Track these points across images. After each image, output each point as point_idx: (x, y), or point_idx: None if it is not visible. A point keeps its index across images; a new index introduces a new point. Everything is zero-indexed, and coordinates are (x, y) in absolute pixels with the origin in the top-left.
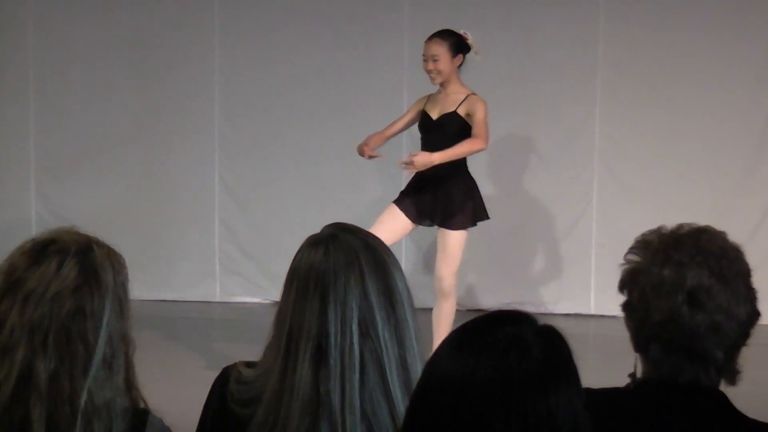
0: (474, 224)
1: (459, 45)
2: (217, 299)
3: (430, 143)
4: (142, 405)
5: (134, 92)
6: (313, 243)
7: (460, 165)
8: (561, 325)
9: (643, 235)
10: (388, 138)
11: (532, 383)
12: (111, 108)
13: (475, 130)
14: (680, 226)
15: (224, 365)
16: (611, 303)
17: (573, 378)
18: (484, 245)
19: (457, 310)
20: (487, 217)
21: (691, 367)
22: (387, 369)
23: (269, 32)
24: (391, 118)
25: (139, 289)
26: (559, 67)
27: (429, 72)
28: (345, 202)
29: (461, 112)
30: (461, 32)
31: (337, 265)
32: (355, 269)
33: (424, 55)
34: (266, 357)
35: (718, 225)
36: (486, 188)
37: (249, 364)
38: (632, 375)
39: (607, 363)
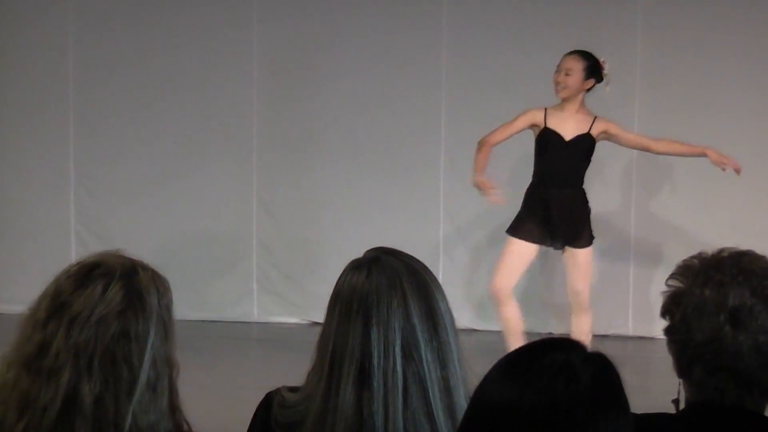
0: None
1: (594, 70)
2: (255, 319)
3: (558, 162)
4: (185, 428)
5: (172, 110)
6: (355, 266)
7: (582, 184)
8: (598, 347)
9: (684, 260)
10: (495, 143)
11: (580, 410)
12: (149, 126)
13: (638, 138)
14: (721, 250)
15: (263, 386)
16: (650, 324)
17: (622, 406)
18: None
19: (494, 331)
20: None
21: (735, 389)
22: (430, 391)
23: (308, 51)
24: (427, 140)
25: (176, 309)
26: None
27: (557, 84)
28: (383, 222)
29: (594, 133)
30: (601, 59)
31: (380, 288)
32: (398, 291)
33: (558, 66)
34: (309, 380)
35: (758, 248)
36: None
37: (292, 389)
38: (676, 401)
39: (647, 385)
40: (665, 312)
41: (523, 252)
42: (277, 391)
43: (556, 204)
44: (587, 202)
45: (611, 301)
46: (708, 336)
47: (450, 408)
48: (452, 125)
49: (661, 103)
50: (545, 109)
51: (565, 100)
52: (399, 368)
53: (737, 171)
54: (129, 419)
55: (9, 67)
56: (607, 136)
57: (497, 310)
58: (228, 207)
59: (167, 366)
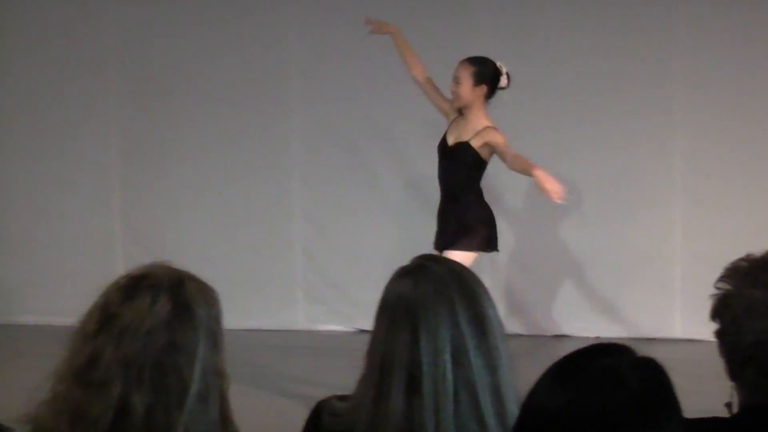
0: (481, 250)
1: (486, 75)
2: (300, 327)
3: (442, 169)
4: None
5: (214, 120)
6: (401, 274)
7: (467, 192)
8: (645, 350)
9: (732, 262)
10: (416, 72)
11: (630, 415)
12: (191, 137)
13: (502, 152)
14: None
15: (312, 394)
16: (699, 326)
17: (673, 410)
18: (567, 270)
19: (541, 336)
20: (495, 249)
21: None
22: (480, 398)
23: (348, 58)
24: None
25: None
26: (637, 80)
27: (451, 93)
28: (428, 228)
29: (474, 143)
30: (497, 64)
31: (427, 295)
32: (445, 298)
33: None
34: (359, 389)
35: None
36: (566, 210)
37: (342, 398)
38: (728, 404)
39: (698, 389)
40: (715, 315)
41: None
42: (327, 399)
43: (442, 210)
44: (470, 209)
45: (658, 303)
46: (759, 337)
47: (501, 414)
48: None
49: (703, 107)
50: (458, 112)
51: (463, 110)
52: (449, 375)
53: (556, 199)
54: (180, 430)
55: (52, 80)
56: (491, 148)
57: None
58: (271, 216)
59: (217, 377)
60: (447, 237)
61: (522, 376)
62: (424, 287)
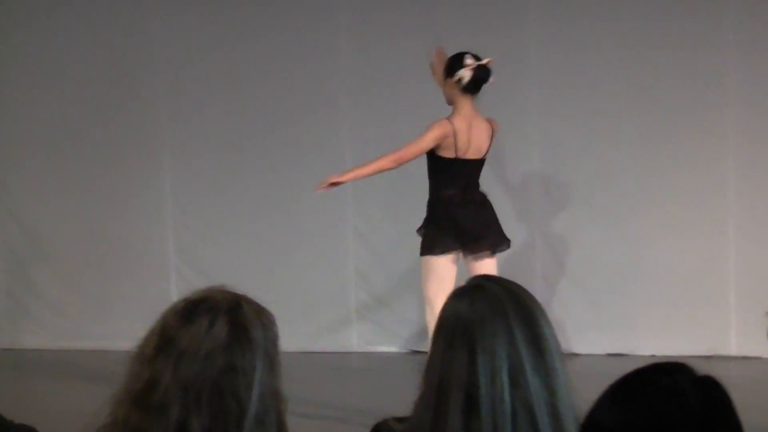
0: (433, 254)
1: (453, 68)
2: (354, 349)
3: None
4: None
5: (265, 142)
6: (458, 294)
7: (435, 189)
8: (701, 368)
9: None
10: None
11: None
12: (242, 159)
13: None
14: None
15: (366, 416)
16: (755, 343)
17: (733, 428)
18: (622, 288)
19: (597, 355)
20: (431, 253)
21: None
22: (538, 417)
23: (398, 76)
24: (520, 158)
25: None
26: (691, 100)
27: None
28: None
29: None
30: (465, 56)
31: (483, 315)
32: (501, 318)
33: None
34: (417, 410)
35: None
36: (613, 225)
37: (399, 420)
38: None
39: (757, 406)
40: None
41: None
42: (385, 421)
43: None
44: (431, 210)
45: (712, 321)
46: None
47: None
48: (546, 149)
49: (756, 125)
50: None
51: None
52: (507, 396)
53: (319, 187)
54: None
55: (103, 103)
56: (440, 140)
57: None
58: (324, 237)
59: (274, 399)
60: None
61: (578, 396)
62: (480, 307)
